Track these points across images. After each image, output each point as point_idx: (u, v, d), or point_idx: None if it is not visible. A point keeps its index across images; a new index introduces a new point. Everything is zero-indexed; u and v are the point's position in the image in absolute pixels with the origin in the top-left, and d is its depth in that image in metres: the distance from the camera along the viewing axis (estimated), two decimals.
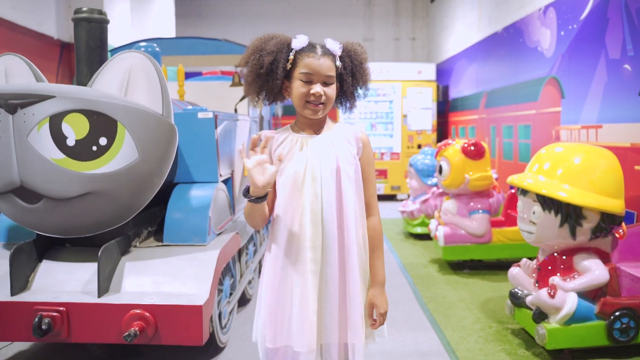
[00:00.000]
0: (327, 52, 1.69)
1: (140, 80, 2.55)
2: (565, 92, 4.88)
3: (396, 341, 3.30)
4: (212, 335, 2.84)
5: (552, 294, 2.87)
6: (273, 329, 1.68)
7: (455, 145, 4.83)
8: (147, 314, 2.36)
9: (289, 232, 1.67)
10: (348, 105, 1.81)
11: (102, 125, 2.44)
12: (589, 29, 4.47)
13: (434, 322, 3.60)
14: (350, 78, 1.75)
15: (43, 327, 2.33)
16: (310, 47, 1.69)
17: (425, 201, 6.06)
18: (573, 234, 2.93)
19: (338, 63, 1.71)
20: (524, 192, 3.15)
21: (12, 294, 2.47)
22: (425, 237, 6.14)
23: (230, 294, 3.28)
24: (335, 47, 1.70)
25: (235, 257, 3.45)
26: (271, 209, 1.74)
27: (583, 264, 2.94)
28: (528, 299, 3.07)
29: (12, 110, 2.38)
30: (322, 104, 1.67)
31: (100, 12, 2.81)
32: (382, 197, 9.75)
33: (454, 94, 9.19)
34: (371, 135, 9.86)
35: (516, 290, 3.24)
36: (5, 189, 2.47)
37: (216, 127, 3.23)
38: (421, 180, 6.20)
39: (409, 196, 6.91)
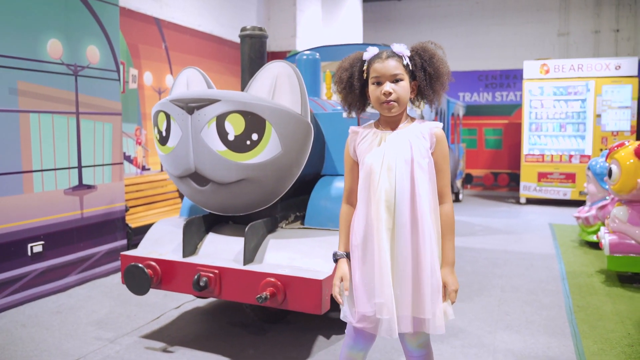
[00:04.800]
0: (392, 55, 1.89)
1: (285, 85, 3.00)
2: None
3: (526, 343, 3.26)
4: None
5: None
6: (358, 303, 1.92)
7: (628, 147, 4.42)
8: (279, 283, 2.79)
9: (366, 216, 1.91)
10: (428, 99, 1.96)
11: (255, 123, 2.93)
12: None
13: (575, 331, 3.44)
14: (422, 73, 1.91)
15: (201, 283, 2.93)
16: (378, 54, 1.91)
17: (602, 207, 5.60)
18: None
19: (406, 62, 1.89)
20: None
21: (183, 256, 3.13)
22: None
23: None
24: (402, 49, 1.90)
25: None
26: (356, 197, 2.00)
27: None
28: None
29: (190, 111, 3.01)
30: (394, 101, 1.87)
31: (260, 29, 3.35)
32: (569, 203, 9.07)
33: None
34: (560, 136, 9.22)
35: None
36: (184, 174, 3.13)
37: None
38: (599, 184, 5.72)
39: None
